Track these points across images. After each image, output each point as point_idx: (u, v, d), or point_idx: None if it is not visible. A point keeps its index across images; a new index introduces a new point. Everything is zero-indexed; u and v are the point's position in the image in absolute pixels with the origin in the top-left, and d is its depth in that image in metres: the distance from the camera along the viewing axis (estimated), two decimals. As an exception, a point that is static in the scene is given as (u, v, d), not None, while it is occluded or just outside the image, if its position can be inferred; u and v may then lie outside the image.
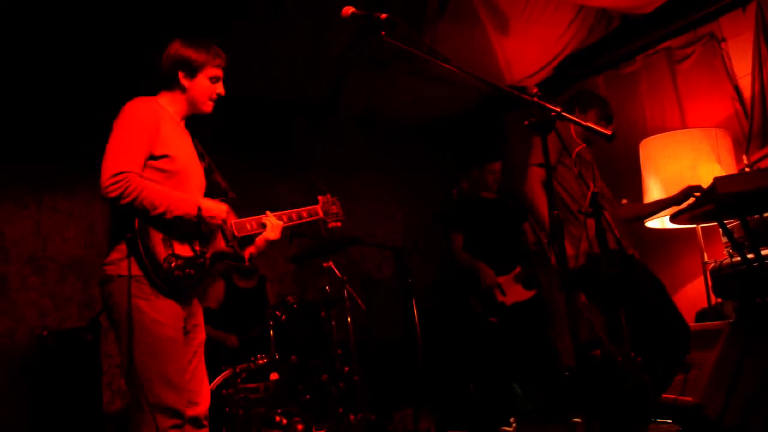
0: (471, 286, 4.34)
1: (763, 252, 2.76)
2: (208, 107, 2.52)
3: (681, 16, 4.13)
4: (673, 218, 2.95)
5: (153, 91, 2.49)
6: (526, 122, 2.10)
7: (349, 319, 4.41)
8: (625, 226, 3.43)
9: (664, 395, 3.03)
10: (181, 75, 2.44)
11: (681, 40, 4.26)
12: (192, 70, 2.45)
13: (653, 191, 3.77)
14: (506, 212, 4.49)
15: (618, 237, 2.93)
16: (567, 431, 3.78)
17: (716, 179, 2.48)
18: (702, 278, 3.77)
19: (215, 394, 3.78)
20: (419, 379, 4.35)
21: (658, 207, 3.48)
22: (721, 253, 3.34)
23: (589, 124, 2.11)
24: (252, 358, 3.99)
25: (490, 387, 4.46)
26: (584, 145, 3.48)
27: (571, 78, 4.95)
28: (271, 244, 2.59)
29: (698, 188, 3.25)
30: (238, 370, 3.91)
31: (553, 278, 4.38)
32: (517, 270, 4.26)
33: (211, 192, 2.54)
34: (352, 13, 2.24)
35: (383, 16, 2.17)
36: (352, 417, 4.02)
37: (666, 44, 4.34)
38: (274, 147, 5.57)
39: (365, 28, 2.20)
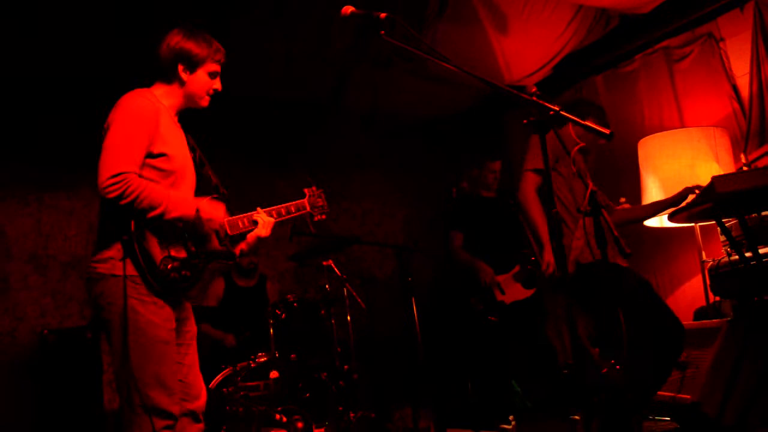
0: (471, 285, 4.35)
1: (761, 250, 2.77)
2: (205, 102, 2.48)
3: (679, 15, 4.14)
4: (672, 217, 2.96)
5: (148, 82, 2.42)
6: (525, 121, 2.11)
7: (348, 318, 4.42)
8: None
9: (662, 393, 3.04)
10: (180, 68, 2.38)
11: (679, 39, 4.27)
12: (192, 65, 2.39)
13: (652, 190, 3.78)
14: (506, 211, 4.50)
15: (617, 236, 2.94)
16: (566, 429, 3.79)
17: (714, 178, 2.49)
18: (700, 277, 3.78)
19: (215, 392, 3.79)
20: (419, 377, 4.36)
21: (654, 209, 3.49)
22: (720, 252, 3.35)
23: (588, 124, 2.11)
24: (252, 357, 4.00)
25: (490, 385, 4.47)
26: (583, 144, 3.48)
27: (570, 77, 4.96)
28: (261, 240, 2.58)
29: (695, 189, 3.26)
30: (238, 368, 3.92)
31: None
32: (516, 269, 4.27)
33: (201, 186, 2.52)
34: (352, 12, 2.24)
35: (382, 15, 2.17)
36: (351, 415, 4.04)
37: (664, 44, 4.35)
38: (275, 146, 5.58)
39: (365, 27, 2.21)
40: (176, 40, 2.40)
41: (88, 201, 4.81)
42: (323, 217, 2.81)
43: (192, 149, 2.53)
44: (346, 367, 4.29)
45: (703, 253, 3.72)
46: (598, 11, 4.24)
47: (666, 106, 4.31)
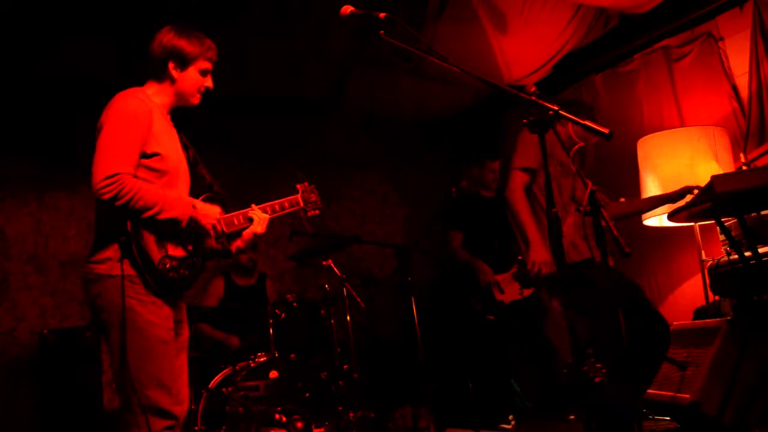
0: (470, 285, 4.35)
1: (761, 250, 2.77)
2: (196, 100, 2.46)
3: (678, 15, 4.14)
4: (671, 216, 2.96)
5: (141, 81, 2.42)
6: (525, 120, 2.11)
7: (348, 318, 4.42)
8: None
9: (662, 393, 3.04)
10: (171, 66, 2.37)
11: (679, 38, 4.27)
12: (184, 62, 2.38)
13: (651, 189, 3.78)
14: (506, 211, 4.50)
15: (616, 236, 2.94)
16: (565, 429, 3.79)
17: (714, 177, 2.49)
18: (700, 276, 3.78)
19: (215, 392, 3.79)
20: (418, 377, 4.35)
21: (652, 203, 3.50)
22: (719, 251, 3.35)
23: (588, 123, 2.11)
24: (252, 357, 4.00)
25: (490, 385, 4.47)
26: (583, 144, 3.49)
27: (570, 77, 4.96)
28: (257, 237, 2.57)
29: (695, 188, 3.26)
30: (237, 368, 3.92)
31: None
32: (515, 268, 4.27)
33: (195, 185, 2.52)
34: (351, 12, 2.25)
35: (382, 15, 2.17)
36: (351, 415, 4.04)
37: (664, 43, 4.34)
38: (275, 145, 5.59)
39: (364, 27, 2.21)
40: (168, 37, 2.39)
41: (87, 201, 4.81)
42: (317, 212, 2.82)
43: (185, 147, 2.52)
44: (345, 366, 4.29)
45: (703, 253, 3.72)
46: (597, 10, 4.24)
47: (665, 105, 4.31)
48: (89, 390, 4.16)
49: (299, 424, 3.70)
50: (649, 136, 3.91)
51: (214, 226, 2.38)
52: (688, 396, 2.80)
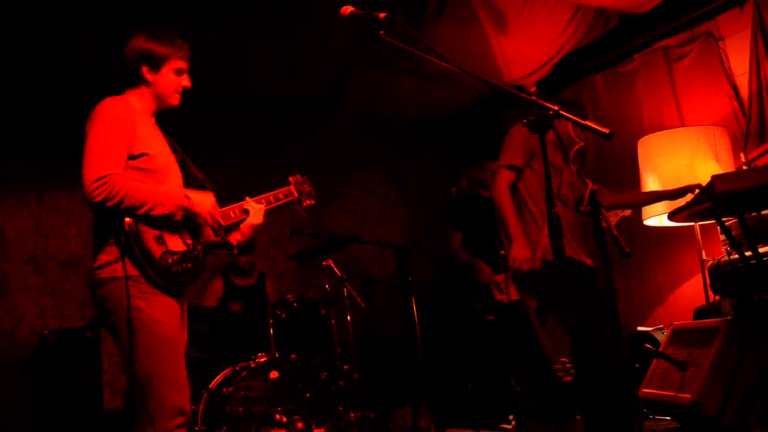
0: (470, 285, 4.35)
1: (761, 249, 2.77)
2: (174, 100, 2.48)
3: (678, 15, 4.13)
4: (671, 216, 2.96)
5: (120, 91, 2.45)
6: (525, 120, 2.10)
7: (348, 318, 4.42)
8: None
9: (662, 393, 3.04)
10: (145, 69, 2.39)
11: (678, 38, 4.27)
12: (156, 64, 2.40)
13: (651, 189, 3.78)
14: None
15: (616, 236, 2.94)
16: (565, 429, 3.79)
17: (714, 177, 2.49)
18: (700, 276, 3.78)
19: (215, 392, 3.79)
20: (419, 377, 4.36)
21: (652, 198, 3.51)
22: (719, 251, 3.35)
23: (587, 123, 2.11)
24: (252, 357, 4.00)
25: (490, 385, 4.47)
26: (583, 143, 3.48)
27: (570, 77, 4.96)
28: (255, 228, 2.59)
29: (696, 188, 3.26)
30: (238, 368, 3.92)
31: None
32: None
33: (188, 184, 2.53)
34: (351, 12, 2.24)
35: (381, 15, 2.17)
36: (351, 415, 4.04)
37: (663, 43, 4.34)
38: (275, 145, 5.59)
39: (364, 27, 2.21)
40: (138, 42, 2.41)
41: (87, 201, 4.81)
42: (312, 202, 2.85)
43: (174, 150, 2.54)
44: (346, 367, 4.29)
45: (703, 252, 3.72)
46: (597, 11, 4.24)
47: (665, 105, 4.31)
48: (89, 390, 4.16)
49: (299, 425, 3.70)
50: (649, 136, 3.91)
51: (211, 215, 2.40)
52: (688, 396, 2.80)
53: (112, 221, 2.21)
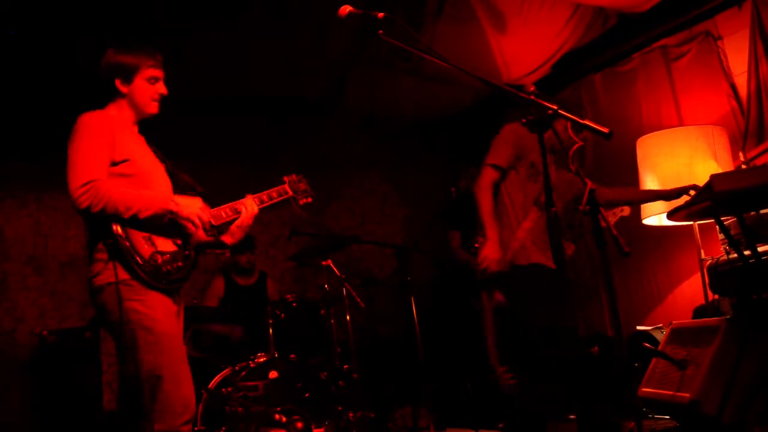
0: (470, 285, 4.35)
1: (760, 248, 2.77)
2: (151, 108, 2.51)
3: (677, 14, 4.14)
4: (670, 215, 2.96)
5: (102, 105, 2.50)
6: (524, 120, 2.11)
7: (348, 318, 4.42)
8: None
9: (661, 392, 3.04)
10: (118, 82, 2.45)
11: (677, 38, 4.27)
12: (127, 75, 2.45)
13: (650, 188, 3.78)
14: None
15: (615, 235, 2.94)
16: (565, 429, 3.79)
17: (713, 176, 2.49)
18: (699, 275, 3.78)
19: (215, 392, 3.79)
20: (418, 377, 4.36)
21: (648, 196, 3.51)
22: (718, 250, 3.35)
23: (587, 122, 2.11)
24: (251, 357, 4.00)
25: (489, 384, 4.47)
26: (582, 143, 3.48)
27: (569, 76, 4.96)
28: (245, 229, 2.60)
29: (694, 188, 3.26)
30: (237, 368, 3.92)
31: None
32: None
33: (178, 191, 2.56)
34: (350, 12, 2.25)
35: (380, 15, 2.18)
36: (351, 415, 4.04)
37: (662, 42, 4.34)
38: (275, 145, 5.59)
39: (363, 27, 2.21)
40: (108, 57, 2.48)
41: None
42: (309, 200, 2.88)
43: (162, 160, 2.58)
44: (345, 366, 4.29)
45: (702, 252, 3.72)
46: (596, 10, 4.24)
47: (664, 104, 4.31)
48: (89, 390, 4.16)
49: (299, 425, 3.70)
50: (648, 135, 3.91)
51: (199, 217, 2.41)
52: (687, 395, 2.80)
53: (101, 226, 2.25)
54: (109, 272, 2.24)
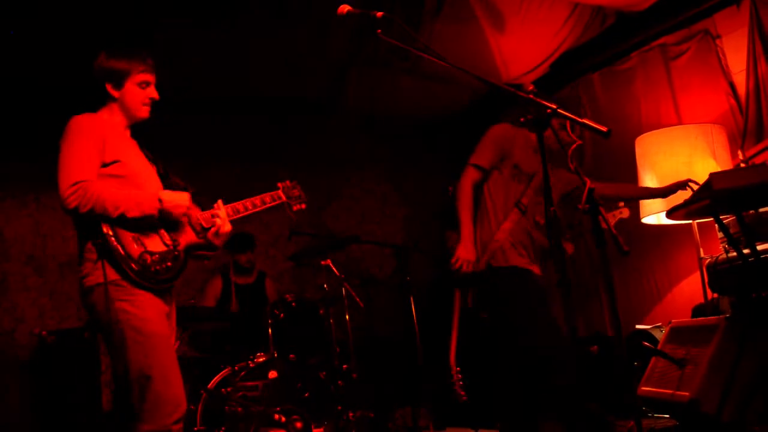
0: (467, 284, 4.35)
1: (759, 247, 2.77)
2: (143, 113, 2.52)
3: (676, 12, 4.14)
4: (669, 214, 2.96)
5: (94, 110, 2.52)
6: (522, 119, 2.11)
7: (347, 317, 4.42)
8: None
9: (661, 390, 3.04)
10: (109, 87, 2.47)
11: (676, 36, 4.27)
12: (118, 80, 2.47)
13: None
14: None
15: (615, 234, 2.94)
16: (565, 428, 3.79)
17: (712, 175, 2.49)
18: (698, 274, 3.78)
19: (214, 392, 3.80)
20: (418, 377, 4.35)
21: (643, 193, 3.51)
22: (717, 249, 3.35)
23: (585, 121, 2.11)
24: (251, 357, 4.00)
25: (489, 384, 4.47)
26: (581, 142, 3.48)
27: (567, 75, 4.96)
28: (224, 237, 2.55)
29: (687, 182, 3.27)
30: (236, 368, 3.92)
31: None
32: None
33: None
34: (348, 12, 2.25)
35: (379, 14, 2.18)
36: (350, 414, 4.04)
37: (661, 41, 4.34)
38: (275, 145, 5.59)
39: (362, 27, 2.22)
40: (100, 62, 2.50)
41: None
42: (303, 206, 2.90)
43: (154, 162, 2.59)
44: (345, 366, 4.29)
45: (701, 250, 3.72)
46: (594, 9, 4.24)
47: (663, 103, 4.31)
48: (88, 391, 4.16)
49: (298, 424, 3.70)
50: (647, 134, 3.90)
51: (189, 210, 2.42)
52: (687, 394, 2.80)
53: (90, 225, 2.27)
54: (98, 272, 2.25)
